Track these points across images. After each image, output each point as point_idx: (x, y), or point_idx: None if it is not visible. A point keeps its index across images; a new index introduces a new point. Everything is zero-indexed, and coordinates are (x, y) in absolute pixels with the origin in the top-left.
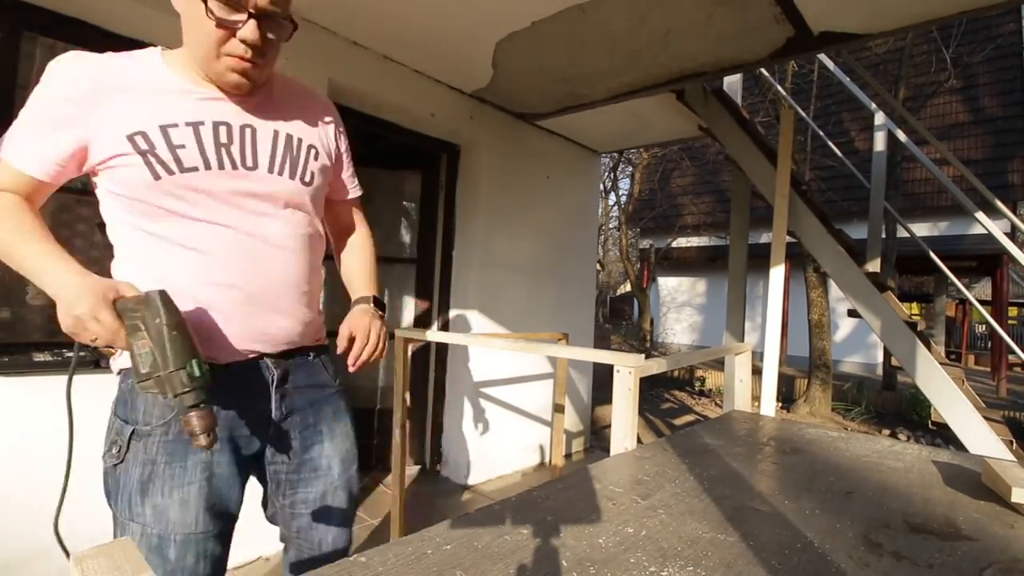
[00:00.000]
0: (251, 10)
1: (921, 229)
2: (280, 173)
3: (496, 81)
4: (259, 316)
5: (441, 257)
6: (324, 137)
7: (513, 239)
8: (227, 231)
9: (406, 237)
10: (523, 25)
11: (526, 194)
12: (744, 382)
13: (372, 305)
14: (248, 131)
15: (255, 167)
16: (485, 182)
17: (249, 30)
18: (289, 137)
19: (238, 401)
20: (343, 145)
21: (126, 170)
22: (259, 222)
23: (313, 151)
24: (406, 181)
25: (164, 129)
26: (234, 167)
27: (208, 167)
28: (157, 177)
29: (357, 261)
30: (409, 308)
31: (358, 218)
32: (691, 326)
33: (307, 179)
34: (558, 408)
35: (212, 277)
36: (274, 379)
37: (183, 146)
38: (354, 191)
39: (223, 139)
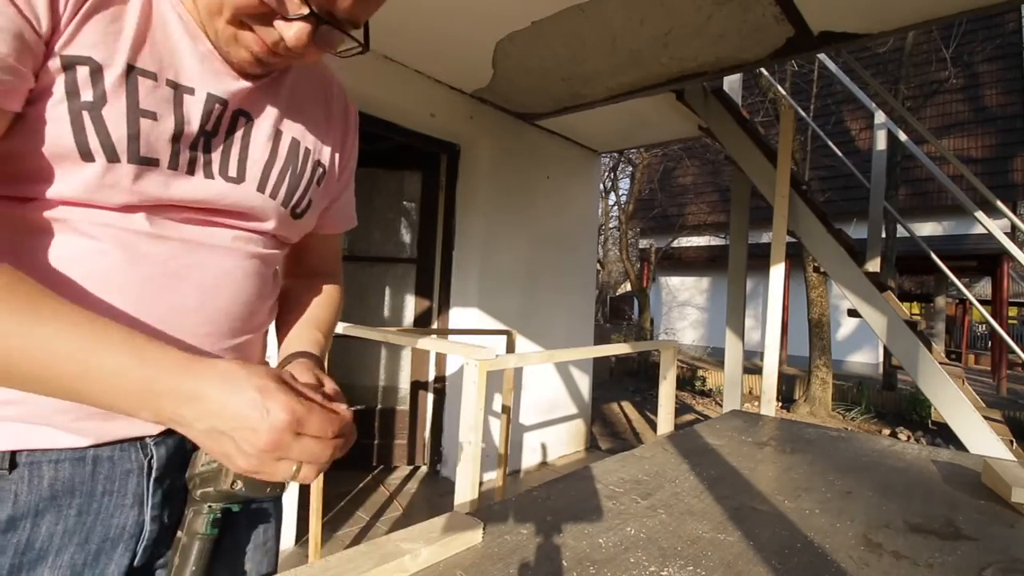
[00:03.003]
0: (314, 8)
1: (925, 228)
2: (273, 196)
3: (496, 81)
4: None
5: (441, 257)
6: (337, 147)
7: (513, 239)
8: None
9: (406, 237)
10: (523, 25)
11: (526, 194)
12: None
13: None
14: (242, 121)
15: (240, 179)
16: (485, 182)
17: (295, 32)
18: (295, 143)
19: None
20: (354, 159)
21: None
22: (204, 254)
23: (320, 170)
24: (406, 181)
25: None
26: (208, 174)
27: (174, 167)
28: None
29: (326, 315)
30: (409, 308)
31: (338, 263)
32: (692, 325)
33: (299, 210)
34: (504, 409)
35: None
36: (151, 467)
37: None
38: (349, 221)
39: (209, 127)
